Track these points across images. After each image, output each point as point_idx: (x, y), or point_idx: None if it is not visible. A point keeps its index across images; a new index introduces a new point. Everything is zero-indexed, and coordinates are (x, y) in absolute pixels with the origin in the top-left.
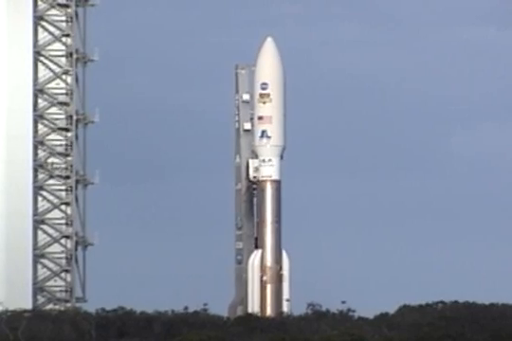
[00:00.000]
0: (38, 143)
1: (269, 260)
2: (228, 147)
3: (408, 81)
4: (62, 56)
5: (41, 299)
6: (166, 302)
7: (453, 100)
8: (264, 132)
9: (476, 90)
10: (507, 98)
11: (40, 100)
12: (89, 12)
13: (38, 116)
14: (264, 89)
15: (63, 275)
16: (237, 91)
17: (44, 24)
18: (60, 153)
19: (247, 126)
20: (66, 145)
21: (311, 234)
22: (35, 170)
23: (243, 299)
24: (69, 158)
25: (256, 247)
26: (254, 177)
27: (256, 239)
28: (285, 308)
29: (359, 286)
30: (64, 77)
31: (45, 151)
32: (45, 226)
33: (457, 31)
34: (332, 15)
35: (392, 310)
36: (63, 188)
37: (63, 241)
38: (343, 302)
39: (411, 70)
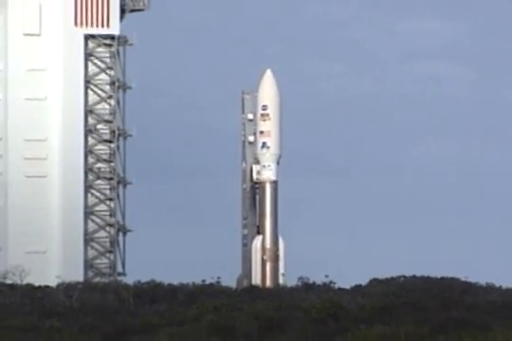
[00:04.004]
0: (88, 152)
1: (268, 244)
2: (237, 155)
3: (377, 106)
4: (106, 84)
5: (90, 274)
6: (188, 276)
7: (409, 120)
8: (264, 143)
9: (427, 114)
10: (450, 120)
11: (90, 119)
12: (128, 50)
13: (88, 131)
14: (264, 110)
15: (107, 255)
16: (243, 111)
17: (92, 59)
18: (105, 160)
19: (251, 139)
20: (110, 153)
21: (301, 222)
22: (86, 173)
23: (248, 274)
24: (112, 164)
25: (258, 233)
26: (257, 179)
27: (258, 227)
28: (281, 281)
29: (339, 263)
30: (108, 100)
31: (93, 158)
32: (93, 217)
33: (415, 65)
34: (317, 53)
35: (364, 282)
36: (107, 187)
37: (107, 228)
38: (326, 276)
39: (380, 96)
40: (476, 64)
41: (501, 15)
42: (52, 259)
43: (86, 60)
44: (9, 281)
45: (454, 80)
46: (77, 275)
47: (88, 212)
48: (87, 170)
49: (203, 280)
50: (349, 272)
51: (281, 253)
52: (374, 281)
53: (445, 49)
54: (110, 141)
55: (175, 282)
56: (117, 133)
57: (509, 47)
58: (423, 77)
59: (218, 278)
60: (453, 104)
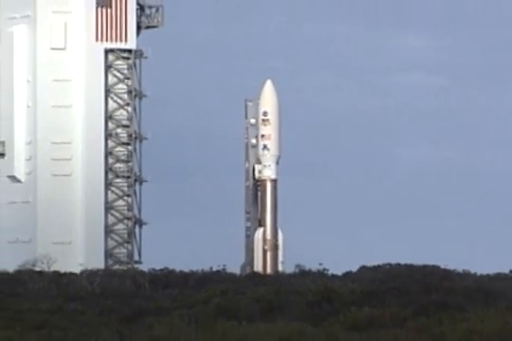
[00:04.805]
0: (108, 153)
1: (269, 235)
2: (240, 156)
3: (367, 115)
4: (124, 93)
5: (110, 262)
6: (197, 264)
7: (403, 127)
8: (265, 145)
9: (415, 120)
10: (442, 126)
11: (109, 124)
12: (143, 63)
13: (108, 135)
14: (265, 115)
15: (125, 245)
16: (246, 117)
17: (112, 70)
18: (123, 160)
19: (254, 141)
20: (128, 155)
21: (298, 216)
22: (106, 172)
23: (250, 262)
24: (130, 164)
25: (260, 226)
26: (258, 177)
27: (259, 220)
28: (280, 268)
29: (332, 252)
30: (126, 107)
31: (113, 159)
32: (113, 211)
33: (407, 78)
34: (312, 66)
35: (354, 269)
36: (125, 184)
37: (125, 221)
38: (320, 264)
39: (370, 107)
40: (464, 77)
41: (481, 33)
42: (76, 248)
43: (106, 71)
44: (37, 269)
45: (446, 90)
46: (98, 263)
47: (108, 207)
48: (107, 169)
49: (211, 268)
50: (341, 260)
51: (280, 243)
52: (364, 268)
53: (438, 63)
54: (128, 144)
55: (186, 269)
56: (133, 136)
57: (495, 62)
58: (414, 88)
59: (224, 265)
60: (443, 112)
